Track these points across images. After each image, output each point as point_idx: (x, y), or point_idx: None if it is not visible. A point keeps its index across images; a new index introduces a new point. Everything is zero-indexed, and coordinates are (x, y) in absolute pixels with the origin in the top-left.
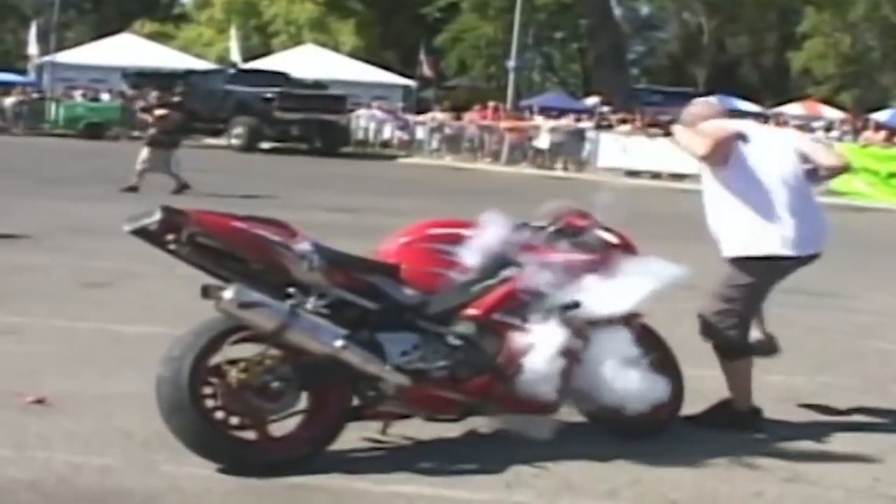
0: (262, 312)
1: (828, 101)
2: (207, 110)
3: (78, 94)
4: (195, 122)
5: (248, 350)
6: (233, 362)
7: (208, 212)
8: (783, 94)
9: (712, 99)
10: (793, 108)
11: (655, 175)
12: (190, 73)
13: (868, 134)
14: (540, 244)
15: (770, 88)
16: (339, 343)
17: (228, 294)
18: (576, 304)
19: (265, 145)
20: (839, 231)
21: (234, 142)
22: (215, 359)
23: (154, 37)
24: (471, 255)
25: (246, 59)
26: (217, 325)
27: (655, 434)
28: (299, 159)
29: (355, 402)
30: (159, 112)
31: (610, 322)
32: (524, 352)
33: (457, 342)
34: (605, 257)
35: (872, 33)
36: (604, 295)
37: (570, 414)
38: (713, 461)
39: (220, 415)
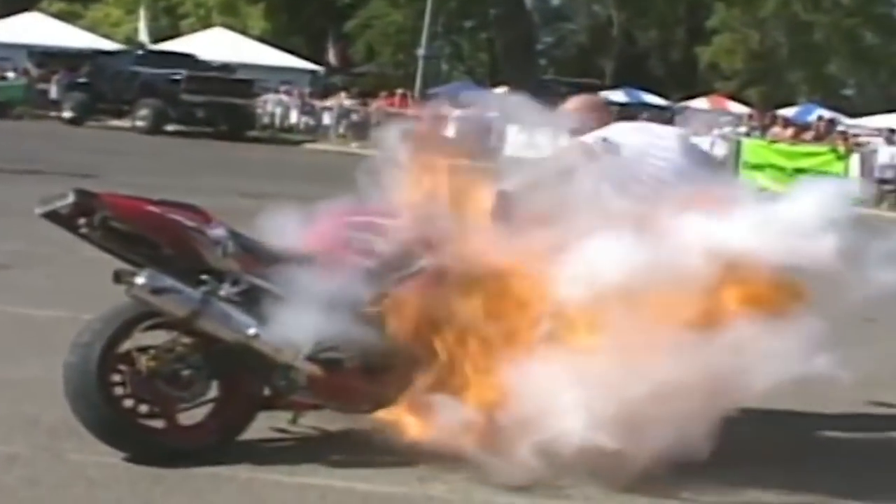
0: (174, 299)
1: (734, 97)
2: (113, 91)
3: None
4: (100, 104)
5: (159, 337)
6: (143, 349)
7: (121, 195)
8: (690, 88)
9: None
10: (699, 103)
11: None
12: (97, 54)
13: (776, 130)
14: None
15: (677, 82)
16: (251, 331)
17: (140, 279)
18: None
19: (170, 128)
20: None
21: (139, 123)
22: (125, 345)
23: (62, 16)
24: (386, 244)
25: (154, 41)
26: (127, 310)
27: None
28: (205, 143)
29: (267, 391)
30: None
31: None
32: None
33: (371, 333)
34: None
35: (781, 30)
36: None
37: None
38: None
39: (128, 403)
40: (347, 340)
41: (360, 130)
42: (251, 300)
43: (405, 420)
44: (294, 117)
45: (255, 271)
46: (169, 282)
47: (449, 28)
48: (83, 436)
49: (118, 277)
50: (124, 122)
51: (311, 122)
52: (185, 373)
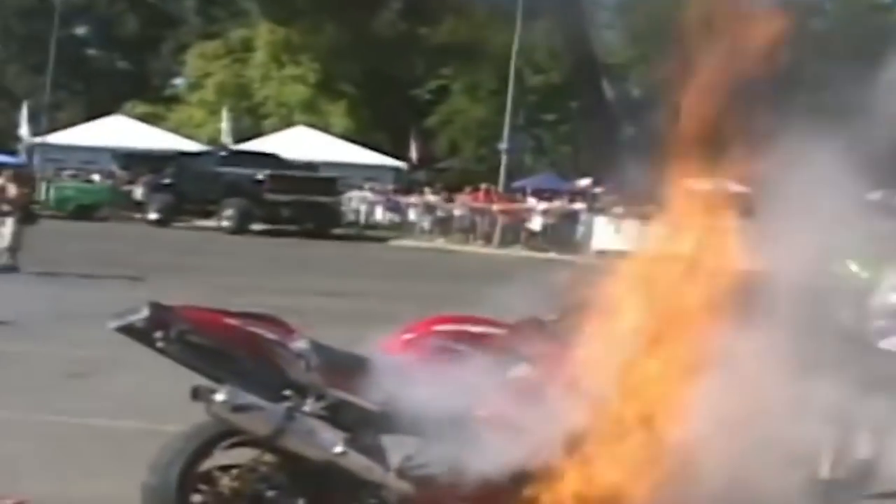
0: (257, 416)
1: None
2: (198, 192)
3: (68, 175)
4: (186, 204)
5: (242, 455)
6: (225, 468)
7: (199, 308)
8: None
9: None
10: None
11: None
12: (181, 155)
13: None
14: (552, 340)
15: None
16: (338, 448)
17: (220, 396)
18: None
19: (256, 227)
20: None
21: (225, 223)
22: (206, 465)
23: (145, 118)
24: (479, 353)
25: (237, 141)
26: (208, 429)
27: None
28: (290, 241)
29: None
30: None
31: None
32: None
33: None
34: None
35: None
36: None
37: None
38: None
39: None
40: (441, 454)
41: (446, 226)
42: (337, 415)
43: None
44: (379, 214)
45: (340, 384)
46: (250, 398)
47: (530, 121)
48: None
49: (196, 394)
50: (210, 223)
51: (396, 218)
52: (270, 494)
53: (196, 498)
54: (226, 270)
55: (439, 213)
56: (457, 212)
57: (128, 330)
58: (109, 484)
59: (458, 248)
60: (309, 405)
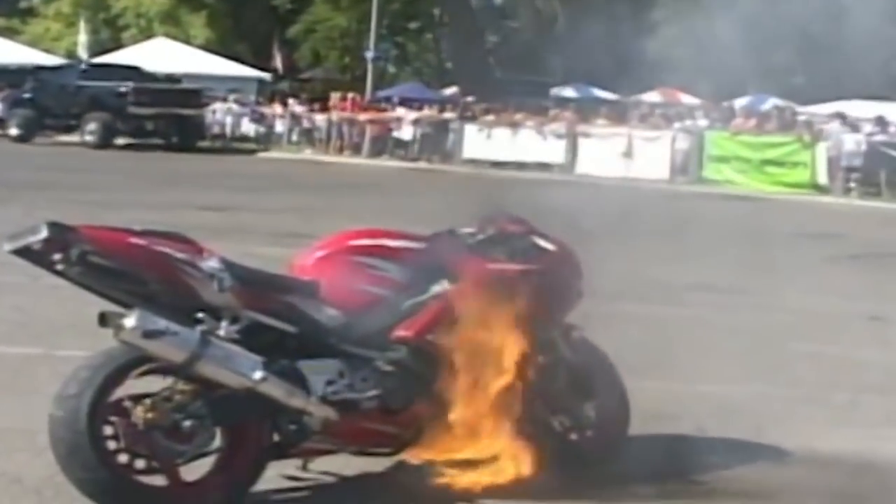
0: (170, 342)
1: (684, 89)
2: (60, 106)
3: None
4: (47, 119)
5: (155, 383)
6: (137, 398)
7: (101, 227)
8: (639, 81)
9: None
10: (651, 96)
11: (521, 165)
12: (39, 69)
13: (738, 121)
14: (471, 254)
15: (626, 76)
16: (257, 374)
17: (130, 322)
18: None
19: (120, 141)
20: (723, 221)
21: (88, 138)
22: (117, 394)
23: (0, 31)
24: (397, 269)
25: (96, 54)
26: (118, 356)
27: (608, 458)
28: (156, 155)
29: (276, 438)
30: None
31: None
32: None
33: (388, 368)
34: (543, 266)
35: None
36: None
37: None
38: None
39: (123, 458)
40: (363, 378)
41: (313, 137)
42: (254, 339)
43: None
44: (245, 126)
45: (256, 306)
46: (162, 323)
47: (394, 30)
48: (74, 496)
49: (104, 320)
50: (73, 138)
51: (262, 130)
52: (186, 423)
53: (108, 430)
54: (94, 186)
55: (306, 124)
56: (323, 122)
57: (24, 252)
58: (6, 416)
59: (327, 159)
60: (224, 329)
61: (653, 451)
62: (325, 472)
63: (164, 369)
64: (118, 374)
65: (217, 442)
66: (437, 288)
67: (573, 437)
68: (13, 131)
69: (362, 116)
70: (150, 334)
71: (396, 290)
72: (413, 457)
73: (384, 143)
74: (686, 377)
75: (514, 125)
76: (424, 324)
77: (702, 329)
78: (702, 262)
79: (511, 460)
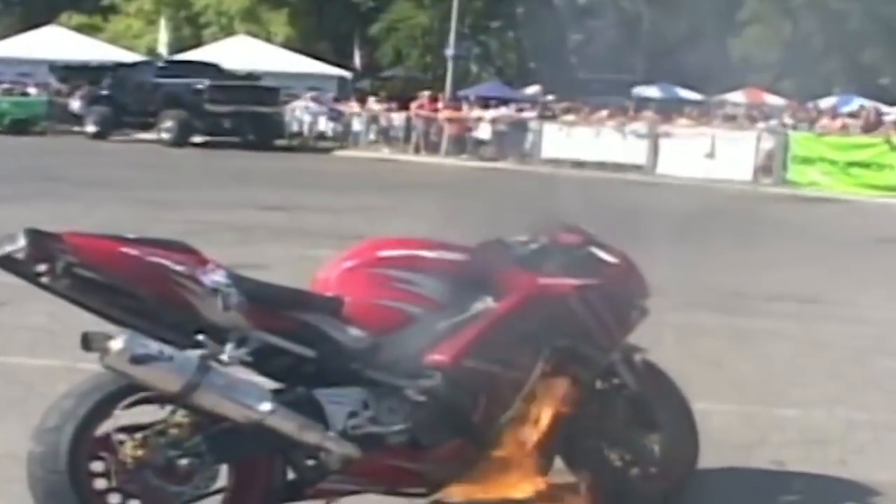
0: (163, 368)
1: (770, 90)
2: (137, 104)
3: (3, 89)
4: (125, 117)
5: (149, 415)
6: (128, 431)
7: (90, 235)
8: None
9: None
10: (736, 96)
11: (601, 166)
12: (118, 66)
13: (824, 122)
14: (520, 267)
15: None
16: (265, 406)
17: (116, 345)
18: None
19: (197, 139)
20: (807, 226)
21: (164, 136)
22: (104, 427)
23: (82, 29)
24: (434, 284)
25: (177, 51)
26: (105, 384)
27: (671, 496)
28: (232, 153)
29: (291, 476)
30: None
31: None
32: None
33: (419, 398)
34: (603, 281)
35: (813, 20)
36: None
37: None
38: None
39: (115, 500)
40: (391, 409)
41: (390, 135)
42: (264, 364)
43: None
44: (322, 124)
45: (267, 326)
46: (154, 346)
47: (476, 28)
48: None
49: (88, 342)
50: (150, 135)
51: (340, 128)
52: (183, 461)
53: (95, 467)
54: (163, 184)
55: (383, 123)
56: (401, 121)
57: (6, 263)
58: (14, 434)
59: (404, 158)
60: (228, 352)
61: (723, 488)
62: None
63: (159, 399)
64: (105, 405)
65: (220, 481)
66: (478, 306)
67: (633, 473)
68: (90, 128)
69: (441, 115)
70: (139, 359)
71: (432, 309)
72: (449, 496)
73: (463, 143)
74: (763, 399)
75: (595, 125)
76: (463, 347)
77: (781, 343)
78: (783, 269)
79: (560, 501)
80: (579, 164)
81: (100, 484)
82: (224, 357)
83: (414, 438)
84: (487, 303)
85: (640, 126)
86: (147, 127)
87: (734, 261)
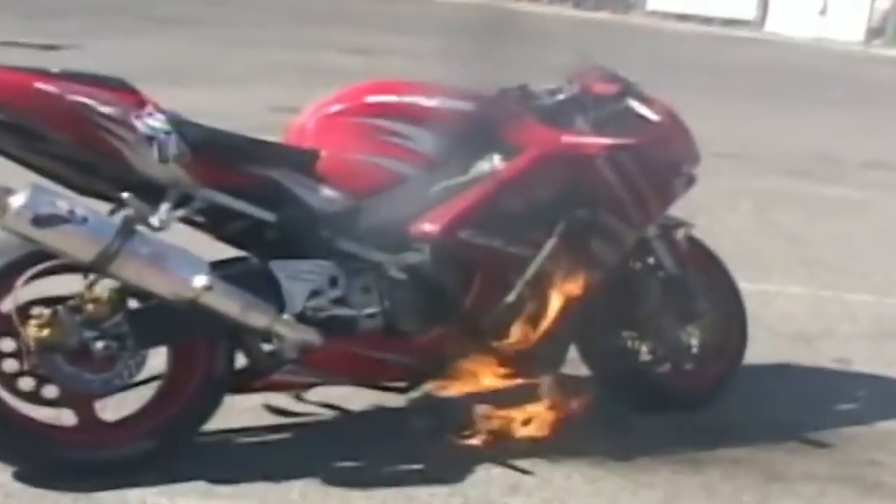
0: (73, 232)
1: None
2: None
3: None
4: None
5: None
6: (38, 303)
7: (4, 67)
8: None
9: None
10: None
11: (706, 20)
12: None
13: None
14: (540, 120)
15: None
16: (200, 281)
17: (17, 201)
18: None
19: None
20: None
21: None
22: (6, 304)
23: None
24: (430, 137)
25: None
26: (7, 250)
27: (704, 400)
28: None
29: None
30: None
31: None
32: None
33: (400, 275)
34: (640, 140)
35: None
36: None
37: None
38: None
39: (27, 384)
40: (365, 287)
41: None
42: (212, 229)
43: None
44: None
45: (216, 182)
46: (64, 206)
47: None
48: None
49: None
50: None
51: None
52: (100, 345)
53: (4, 345)
54: (249, 22)
55: None
56: None
57: None
58: None
59: (510, 5)
60: (161, 214)
61: (767, 390)
62: (324, 405)
63: (72, 269)
64: (6, 276)
65: (153, 366)
66: (483, 166)
67: (663, 369)
68: None
69: None
70: (44, 220)
71: (425, 168)
72: (437, 390)
73: None
74: (836, 282)
75: None
76: (459, 215)
77: (867, 218)
78: (883, 136)
79: (563, 399)
80: (684, 18)
81: (9, 366)
82: (154, 220)
83: (390, 324)
84: (494, 162)
85: None
86: None
87: (831, 124)
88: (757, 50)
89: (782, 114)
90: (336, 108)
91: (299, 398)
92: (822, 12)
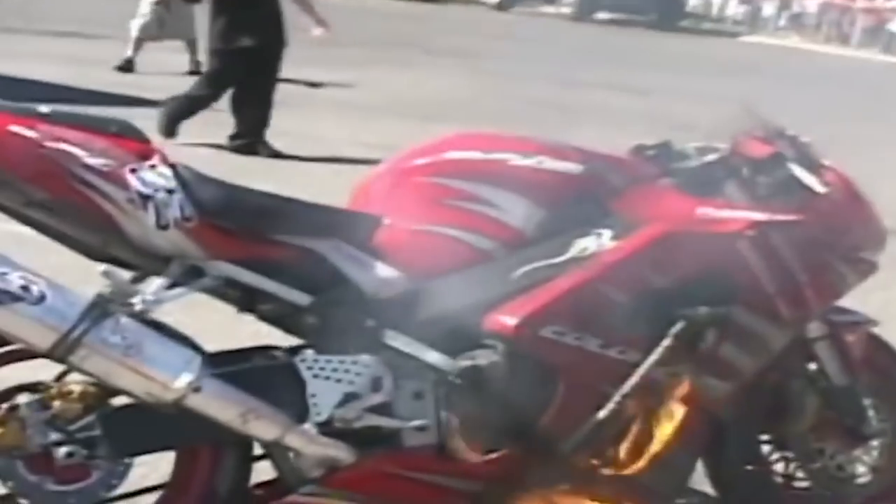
0: (26, 312)
1: None
2: None
3: None
4: None
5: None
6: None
7: None
8: None
9: None
10: None
11: None
12: None
13: None
14: (679, 186)
15: None
16: (184, 379)
17: None
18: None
19: (601, 15)
20: None
21: (564, 10)
22: None
23: None
24: (522, 205)
25: None
26: None
27: None
28: (629, 31)
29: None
30: None
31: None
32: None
33: (459, 381)
34: (804, 217)
35: None
36: None
37: None
38: None
39: None
40: (416, 393)
41: (801, 22)
42: (238, 304)
43: None
44: (732, 7)
45: (233, 254)
46: (16, 279)
47: None
48: None
49: None
50: (552, 9)
51: (749, 10)
52: (62, 451)
53: None
54: (531, 58)
55: (795, 9)
56: (815, 6)
57: None
58: None
59: (812, 48)
60: (152, 291)
61: None
62: None
63: (32, 356)
64: None
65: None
66: (587, 244)
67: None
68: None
69: (857, 4)
70: None
71: (512, 243)
72: None
73: (876, 35)
74: None
75: None
76: (544, 306)
77: None
78: None
79: None
80: None
81: None
82: (135, 301)
83: (446, 441)
84: (603, 240)
85: None
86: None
87: None
88: None
89: None
90: (411, 164)
91: None
92: None
